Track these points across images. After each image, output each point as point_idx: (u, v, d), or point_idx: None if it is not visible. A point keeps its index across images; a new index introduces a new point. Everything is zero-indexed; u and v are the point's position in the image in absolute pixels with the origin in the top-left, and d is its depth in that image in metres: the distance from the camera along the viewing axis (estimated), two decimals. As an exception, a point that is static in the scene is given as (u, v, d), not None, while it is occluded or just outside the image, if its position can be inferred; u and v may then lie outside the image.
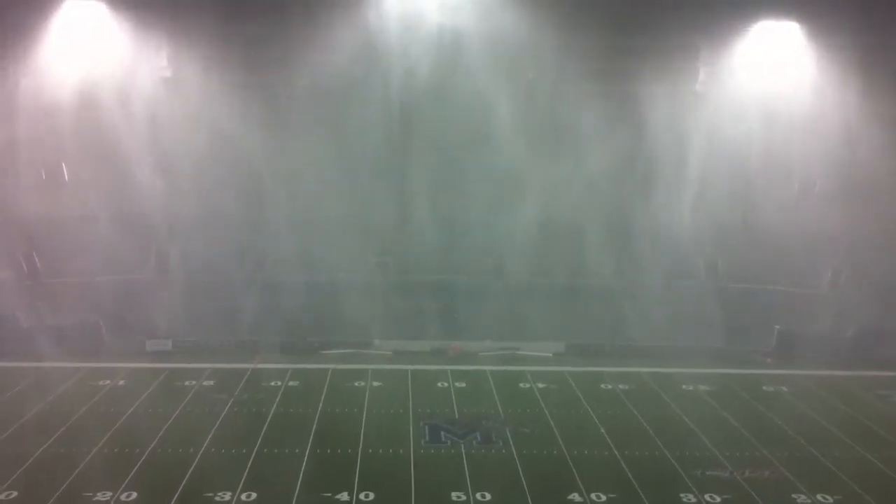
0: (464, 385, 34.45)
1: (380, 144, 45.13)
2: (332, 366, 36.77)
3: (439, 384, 34.51)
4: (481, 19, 43.25)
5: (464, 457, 26.34)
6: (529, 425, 29.44)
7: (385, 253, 45.68)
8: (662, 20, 43.41)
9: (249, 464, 25.28)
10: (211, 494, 22.89)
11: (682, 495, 23.74)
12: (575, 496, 23.42)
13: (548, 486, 24.20)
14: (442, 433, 28.45)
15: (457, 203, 45.33)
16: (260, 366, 36.42)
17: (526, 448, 27.13)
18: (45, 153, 43.33)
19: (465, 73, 43.51)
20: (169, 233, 44.24)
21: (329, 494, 23.07)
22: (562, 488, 23.96)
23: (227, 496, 22.86)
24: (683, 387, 34.70)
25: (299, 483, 23.99)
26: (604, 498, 23.34)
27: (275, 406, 31.06)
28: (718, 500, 23.46)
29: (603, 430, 29.00)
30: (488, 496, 23.32)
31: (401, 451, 26.62)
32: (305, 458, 25.91)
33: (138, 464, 25.05)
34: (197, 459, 25.57)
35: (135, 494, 22.89)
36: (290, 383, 34.14)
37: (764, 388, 35.01)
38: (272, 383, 33.98)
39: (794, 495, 23.92)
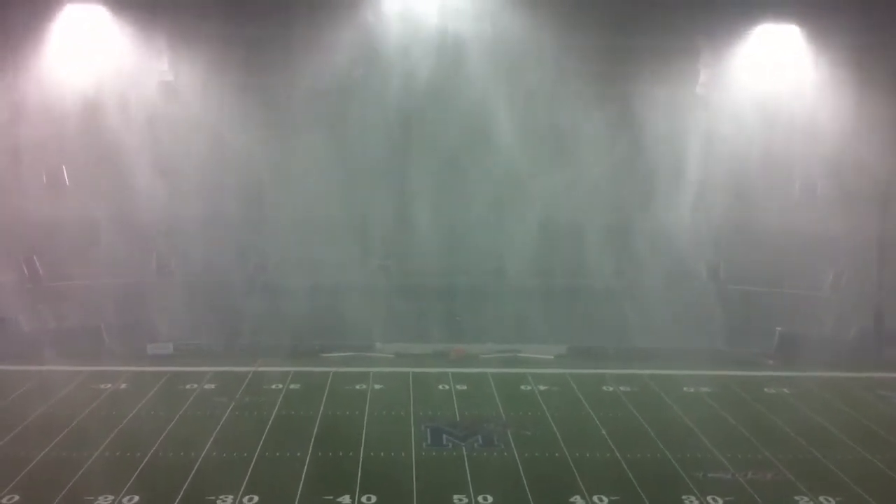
0: (465, 387, 34.42)
1: (381, 146, 45.13)
2: (333, 368, 36.75)
3: (441, 387, 34.48)
4: (482, 21, 43.34)
5: (465, 459, 26.31)
6: (531, 428, 29.42)
7: (386, 255, 45.70)
8: (663, 22, 43.45)
9: (251, 467, 25.24)
10: (213, 498, 22.83)
11: (684, 497, 23.68)
12: (577, 499, 23.36)
13: (550, 489, 24.15)
14: (443, 436, 28.42)
15: (458, 205, 45.32)
16: (261, 369, 36.42)
17: (528, 450, 27.08)
18: (45, 156, 43.38)
19: (466, 75, 43.57)
20: (169, 235, 44.23)
21: (331, 497, 23.01)
22: (564, 491, 23.90)
23: (229, 500, 22.82)
24: (685, 389, 34.63)
25: (301, 486, 23.96)
26: (606, 500, 23.28)
27: (276, 409, 31.03)
28: (721, 502, 23.37)
29: (605, 433, 28.95)
30: (490, 499, 23.26)
31: (402, 454, 26.58)
32: (307, 461, 25.89)
33: (140, 467, 25.02)
34: (198, 463, 25.54)
35: (137, 498, 22.84)
36: (292, 386, 34.12)
37: (765, 389, 34.94)
38: (273, 386, 33.96)
39: (796, 497, 23.84)
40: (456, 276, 44.27)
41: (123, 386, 33.69)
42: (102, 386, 33.36)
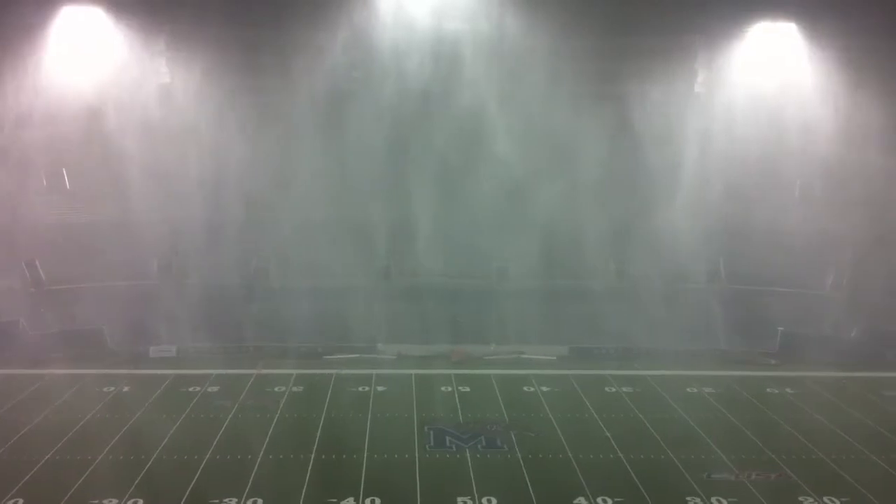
0: (468, 389, 34.41)
1: (382, 148, 45.13)
2: (335, 371, 36.76)
3: (443, 388, 34.47)
4: (479, 22, 43.39)
5: (469, 461, 26.30)
6: (534, 429, 29.43)
7: (388, 257, 45.69)
8: (661, 21, 43.52)
9: (254, 470, 25.25)
10: (216, 501, 22.84)
11: (688, 499, 23.65)
12: (581, 500, 23.35)
13: (553, 490, 24.15)
14: (447, 438, 28.41)
15: (459, 206, 45.32)
16: (264, 371, 36.43)
17: (531, 452, 27.08)
18: (46, 160, 43.44)
19: (465, 77, 43.62)
20: (171, 239, 44.23)
21: (334, 500, 23.02)
22: (567, 492, 23.89)
23: (233, 502, 22.82)
24: (687, 389, 34.62)
25: (304, 489, 23.96)
26: (610, 502, 23.27)
27: (279, 412, 31.06)
28: (725, 503, 23.38)
29: (608, 434, 28.93)
30: (494, 501, 23.26)
31: (406, 456, 26.58)
32: (310, 463, 25.88)
33: (144, 470, 25.03)
34: (202, 466, 25.55)
35: (141, 501, 22.86)
36: (294, 389, 34.15)
37: (768, 389, 34.93)
38: (276, 389, 33.98)
39: (800, 498, 23.83)
40: (458, 277, 44.22)
41: (126, 389, 33.73)
42: (105, 389, 33.40)
